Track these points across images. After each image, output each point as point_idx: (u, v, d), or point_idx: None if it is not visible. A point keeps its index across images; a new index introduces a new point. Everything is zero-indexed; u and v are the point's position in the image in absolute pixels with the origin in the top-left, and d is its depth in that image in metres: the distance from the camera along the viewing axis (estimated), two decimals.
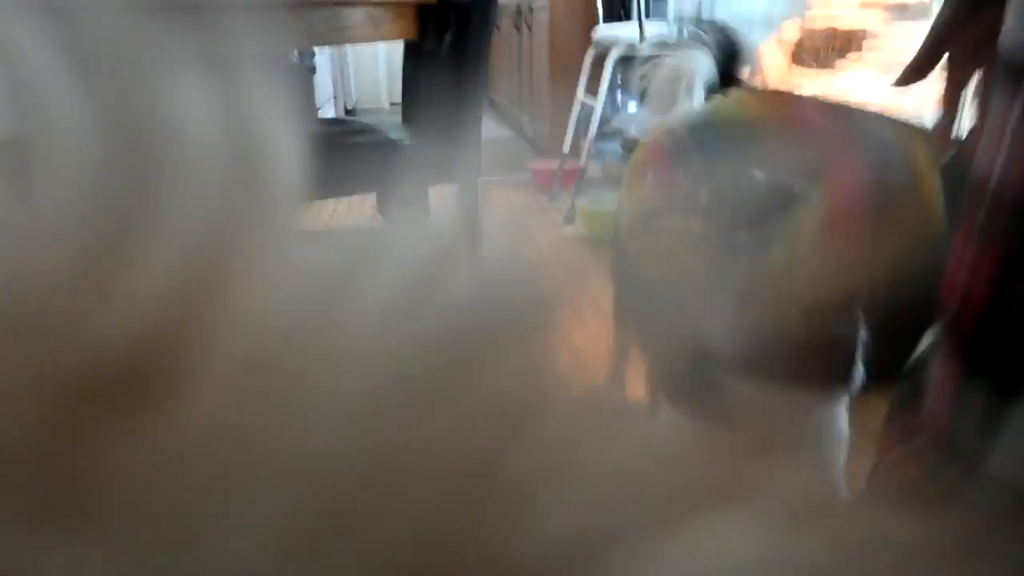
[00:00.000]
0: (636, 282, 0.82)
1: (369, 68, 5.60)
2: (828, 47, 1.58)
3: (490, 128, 4.60)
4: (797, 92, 0.79)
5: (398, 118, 1.75)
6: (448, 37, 1.42)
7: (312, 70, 3.53)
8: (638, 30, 2.45)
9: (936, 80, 0.62)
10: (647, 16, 2.47)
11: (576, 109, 2.83)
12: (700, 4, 2.34)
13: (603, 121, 2.61)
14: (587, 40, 2.79)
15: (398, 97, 1.69)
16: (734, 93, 0.80)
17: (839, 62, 1.59)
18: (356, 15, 1.18)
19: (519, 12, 3.84)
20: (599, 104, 2.58)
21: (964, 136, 0.63)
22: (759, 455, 0.15)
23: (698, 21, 2.28)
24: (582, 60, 2.78)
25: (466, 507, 0.11)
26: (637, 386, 0.88)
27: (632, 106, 2.92)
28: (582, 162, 2.63)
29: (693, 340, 0.74)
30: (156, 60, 0.12)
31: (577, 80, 2.82)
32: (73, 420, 0.09)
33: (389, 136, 1.50)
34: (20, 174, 0.11)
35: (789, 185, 0.68)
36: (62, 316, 0.09)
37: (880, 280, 0.62)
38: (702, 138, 0.73)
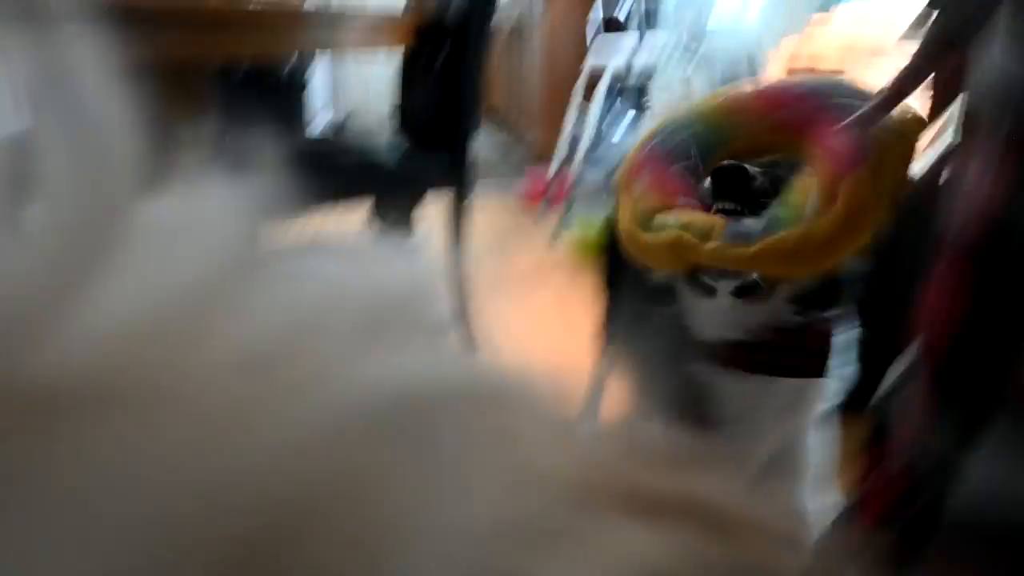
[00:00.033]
0: (632, 286, 0.82)
1: (363, 83, 5.62)
2: None
3: (480, 141, 4.62)
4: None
5: (390, 133, 1.76)
6: (444, 53, 1.44)
7: (303, 86, 3.54)
8: (634, 46, 2.47)
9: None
10: (648, 26, 2.50)
11: (569, 125, 2.86)
12: (700, 16, 2.37)
13: (593, 143, 2.64)
14: (580, 58, 2.83)
15: (392, 111, 1.70)
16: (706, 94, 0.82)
17: None
18: (352, 32, 1.19)
19: (516, 27, 3.88)
20: (593, 120, 2.61)
21: (930, 165, 0.66)
22: (689, 466, 0.16)
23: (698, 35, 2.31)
24: (576, 75, 2.82)
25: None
26: (613, 407, 0.88)
27: (622, 130, 2.95)
28: (572, 180, 2.65)
29: (690, 338, 0.76)
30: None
31: (570, 95, 2.85)
32: None
33: (380, 153, 1.52)
34: None
35: (779, 162, 0.70)
36: None
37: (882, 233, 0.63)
38: (685, 132, 0.75)
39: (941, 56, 0.58)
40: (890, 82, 0.63)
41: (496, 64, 4.50)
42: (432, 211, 1.60)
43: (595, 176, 2.81)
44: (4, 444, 0.10)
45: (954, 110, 0.60)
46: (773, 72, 1.84)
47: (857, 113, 0.64)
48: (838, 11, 1.86)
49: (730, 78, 2.03)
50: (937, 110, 0.65)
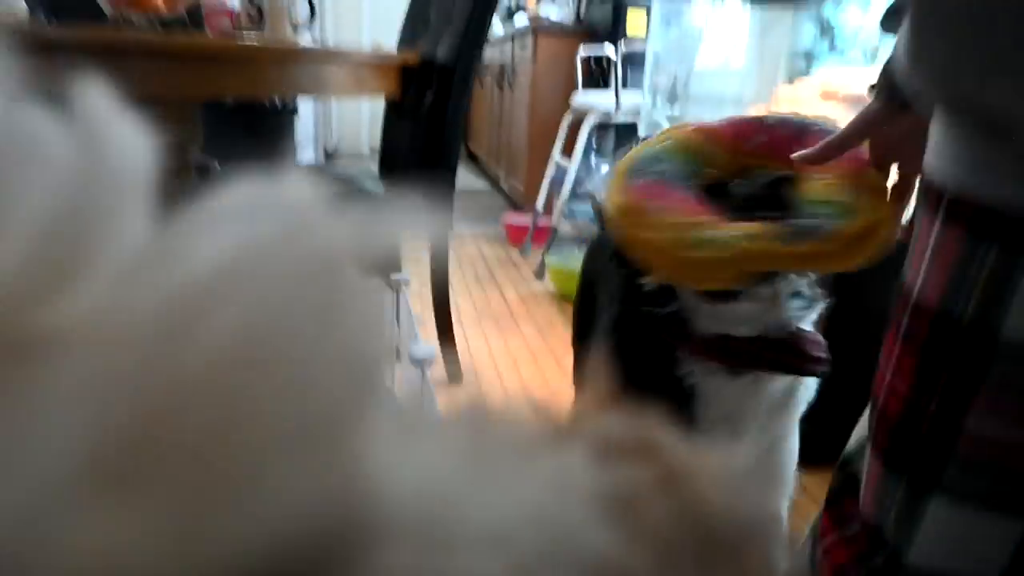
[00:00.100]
0: (619, 294, 0.83)
1: (351, 113, 5.67)
2: None
3: (467, 180, 4.67)
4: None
5: (377, 164, 1.78)
6: (428, 97, 1.47)
7: (294, 112, 3.58)
8: (614, 99, 2.54)
9: None
10: (624, 86, 2.57)
11: (551, 169, 2.90)
12: (675, 78, 2.45)
13: (576, 182, 2.69)
14: (565, 104, 2.89)
15: (378, 143, 1.72)
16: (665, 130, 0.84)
17: None
18: (340, 72, 1.22)
19: (502, 72, 3.95)
20: (573, 166, 2.65)
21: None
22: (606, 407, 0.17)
23: (671, 95, 2.38)
24: (559, 122, 2.87)
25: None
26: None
27: (605, 170, 3.00)
28: (554, 220, 2.69)
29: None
30: None
31: (554, 141, 2.91)
32: None
33: (364, 187, 1.53)
34: None
35: (779, 173, 0.72)
36: None
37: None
38: (668, 160, 0.77)
39: (888, 111, 0.60)
40: (844, 127, 0.66)
41: (483, 107, 4.58)
42: (414, 248, 1.61)
43: (576, 217, 2.85)
44: None
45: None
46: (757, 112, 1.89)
47: (810, 149, 0.68)
48: (819, 71, 1.93)
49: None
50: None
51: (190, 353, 0.10)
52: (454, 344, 1.76)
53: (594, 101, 2.65)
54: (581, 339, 1.11)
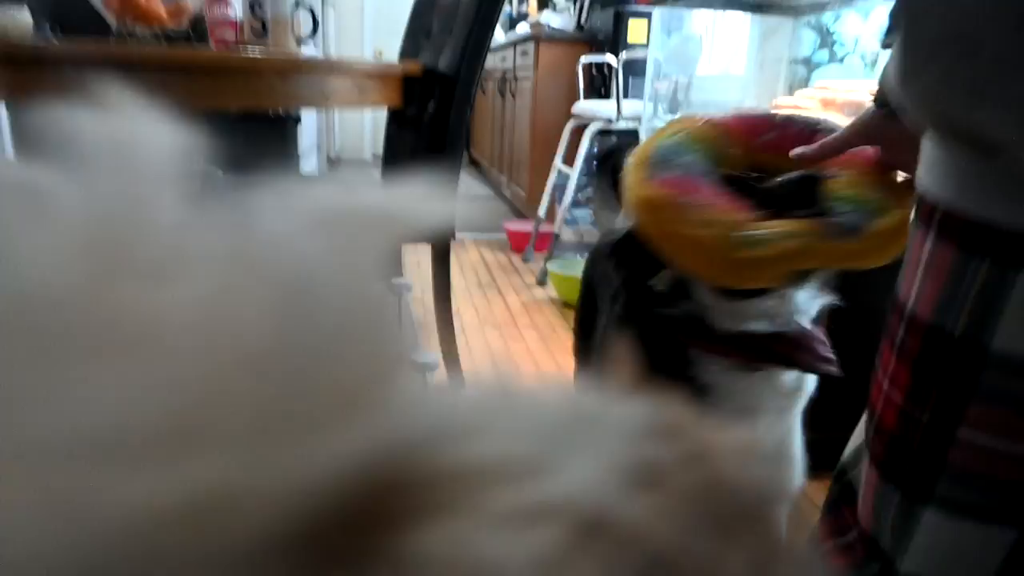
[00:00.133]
0: (629, 294, 0.82)
1: (354, 120, 5.70)
2: None
3: (469, 187, 4.69)
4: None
5: (379, 171, 1.80)
6: (431, 106, 1.48)
7: (297, 120, 3.60)
8: (616, 106, 2.55)
9: None
10: (625, 93, 2.58)
11: (553, 176, 2.91)
12: (676, 86, 2.46)
13: (578, 189, 2.70)
14: (567, 112, 2.90)
15: (380, 149, 1.73)
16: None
17: None
18: (343, 83, 1.23)
19: (505, 79, 3.97)
20: (575, 173, 2.67)
21: None
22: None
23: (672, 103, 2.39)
24: (561, 130, 2.88)
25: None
26: None
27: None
28: (556, 227, 2.70)
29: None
30: None
31: (555, 148, 2.92)
32: None
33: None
34: None
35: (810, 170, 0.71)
36: None
37: None
38: (689, 154, 0.76)
39: (884, 118, 0.61)
40: (844, 129, 0.67)
41: (485, 114, 4.60)
42: (417, 254, 1.62)
43: (578, 223, 2.86)
44: None
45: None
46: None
47: (808, 147, 0.69)
48: (819, 79, 1.94)
49: None
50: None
51: (266, 339, 0.13)
52: (456, 350, 1.77)
53: (595, 108, 2.67)
54: (583, 345, 1.12)
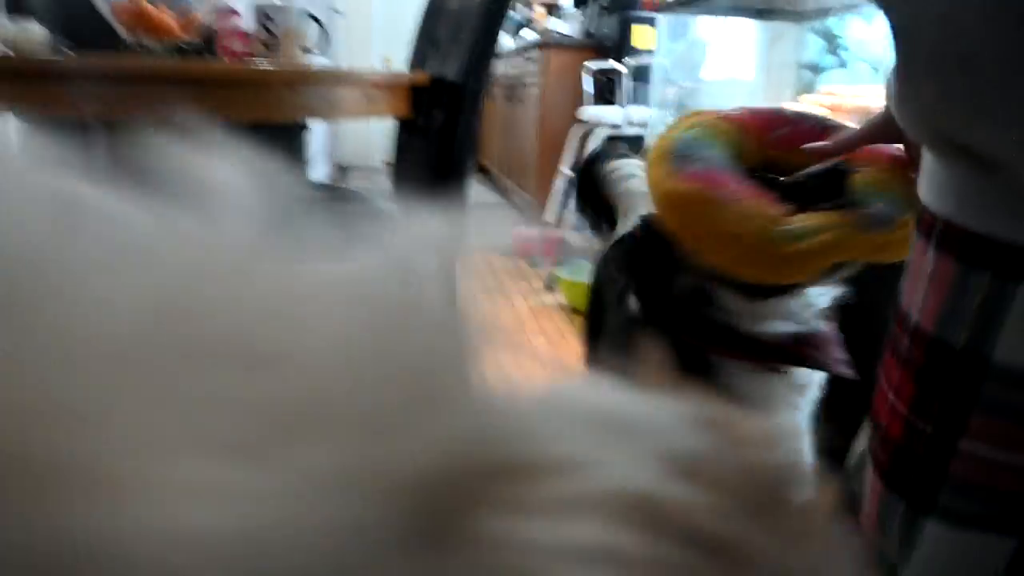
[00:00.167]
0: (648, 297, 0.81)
1: (362, 127, 5.72)
2: None
3: (477, 193, 4.70)
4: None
5: (388, 178, 1.81)
6: (439, 115, 1.49)
7: (304, 127, 3.62)
8: (622, 112, 2.56)
9: None
10: (632, 99, 2.59)
11: (560, 182, 2.92)
12: (682, 91, 2.47)
13: None
14: (574, 117, 2.91)
15: (389, 157, 1.75)
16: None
17: None
18: (351, 93, 1.24)
19: (512, 85, 3.99)
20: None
21: None
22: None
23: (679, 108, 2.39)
24: (568, 135, 2.89)
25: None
26: None
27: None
28: (564, 232, 2.70)
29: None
30: None
31: (562, 154, 2.93)
32: None
33: (376, 204, 1.56)
34: None
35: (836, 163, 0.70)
36: None
37: None
38: (712, 147, 0.74)
39: (892, 121, 0.62)
40: (858, 128, 0.67)
41: (492, 120, 4.61)
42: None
43: (586, 228, 2.87)
44: None
45: None
46: None
47: (821, 143, 0.69)
48: (826, 85, 1.94)
49: None
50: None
51: (366, 351, 0.15)
52: None
53: (602, 114, 2.67)
54: (592, 350, 1.12)
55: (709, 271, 0.73)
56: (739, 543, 0.16)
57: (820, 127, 0.75)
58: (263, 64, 1.28)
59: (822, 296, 0.76)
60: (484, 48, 1.46)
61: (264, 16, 1.30)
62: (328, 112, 1.26)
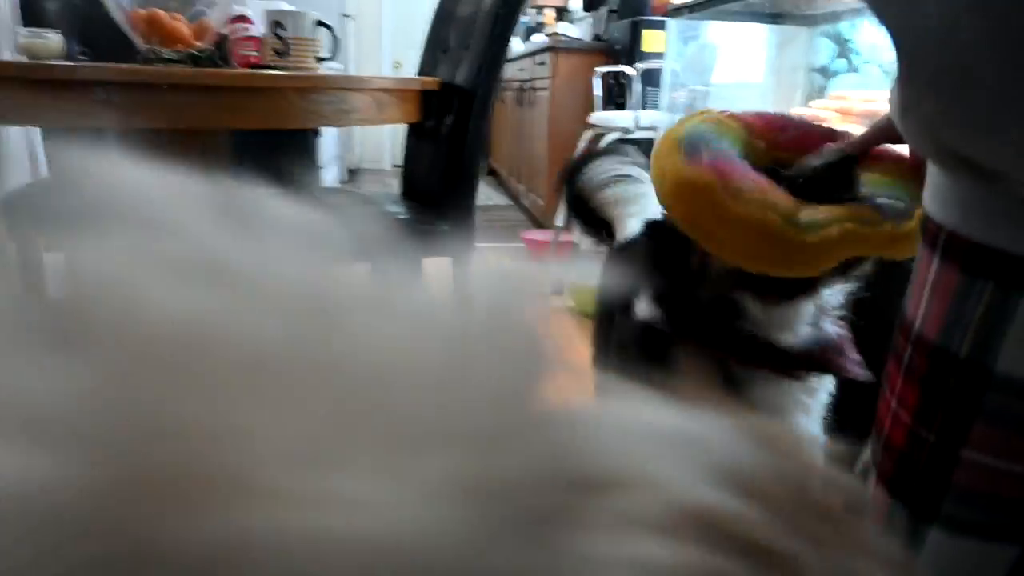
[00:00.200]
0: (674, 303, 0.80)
1: (373, 130, 5.76)
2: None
3: (487, 196, 4.71)
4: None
5: (398, 181, 1.82)
6: (449, 120, 1.50)
7: (316, 131, 3.64)
8: (632, 115, 2.56)
9: None
10: (642, 103, 2.60)
11: None
12: (693, 95, 2.47)
13: None
14: (583, 121, 2.91)
15: (400, 160, 1.76)
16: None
17: None
18: (362, 99, 1.25)
19: (522, 89, 4.00)
20: None
21: None
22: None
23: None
24: (578, 139, 2.90)
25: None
26: None
27: None
28: (574, 236, 2.71)
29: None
30: None
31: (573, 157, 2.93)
32: None
33: (387, 208, 1.57)
34: None
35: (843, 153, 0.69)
36: None
37: None
38: (723, 141, 0.73)
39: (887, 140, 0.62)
40: (866, 130, 0.67)
41: (503, 124, 4.62)
42: (434, 268, 1.63)
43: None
44: None
45: None
46: None
47: (834, 146, 0.69)
48: (836, 89, 1.94)
49: None
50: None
51: (467, 376, 0.17)
52: None
53: (612, 117, 2.68)
54: (600, 355, 1.12)
55: (727, 275, 0.72)
56: (794, 555, 0.16)
57: (828, 131, 0.75)
58: (275, 71, 1.29)
59: (834, 298, 0.76)
60: (494, 53, 1.47)
61: (276, 23, 1.31)
62: (340, 119, 1.27)
